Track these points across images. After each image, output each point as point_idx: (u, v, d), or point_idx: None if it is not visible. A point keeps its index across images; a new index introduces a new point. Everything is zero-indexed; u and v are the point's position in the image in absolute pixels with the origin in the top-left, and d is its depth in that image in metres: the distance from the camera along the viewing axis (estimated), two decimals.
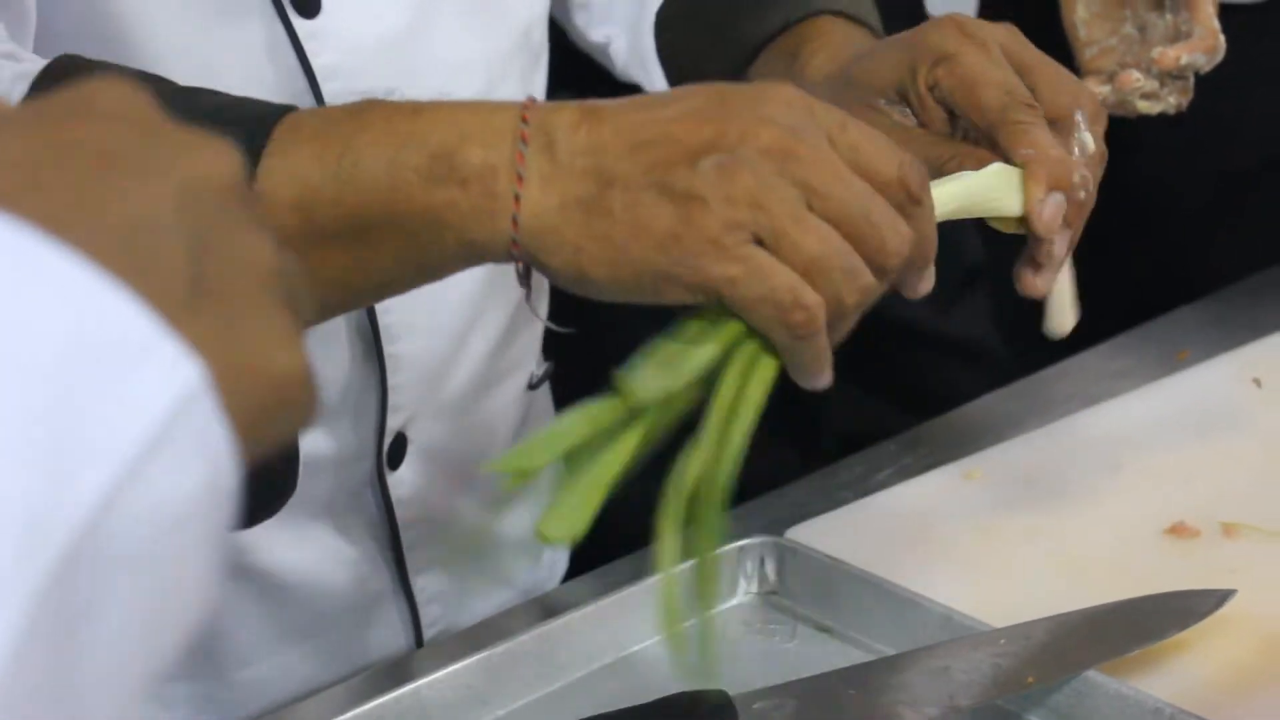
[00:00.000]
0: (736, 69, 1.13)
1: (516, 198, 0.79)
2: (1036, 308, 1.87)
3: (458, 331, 1.15)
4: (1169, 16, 1.30)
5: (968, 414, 1.33)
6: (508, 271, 1.16)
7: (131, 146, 0.47)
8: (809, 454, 1.76)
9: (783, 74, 1.07)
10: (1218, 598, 1.04)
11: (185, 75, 0.98)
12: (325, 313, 0.88)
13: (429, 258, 0.83)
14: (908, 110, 1.00)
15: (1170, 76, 1.27)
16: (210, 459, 0.45)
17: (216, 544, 0.47)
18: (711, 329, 0.80)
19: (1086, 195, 0.99)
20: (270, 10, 1.01)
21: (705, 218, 0.77)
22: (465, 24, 1.09)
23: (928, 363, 1.74)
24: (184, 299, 0.45)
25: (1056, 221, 0.97)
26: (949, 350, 1.73)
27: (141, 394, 0.43)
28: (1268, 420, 1.28)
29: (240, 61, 1.01)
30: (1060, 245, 0.98)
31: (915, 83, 0.99)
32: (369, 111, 0.84)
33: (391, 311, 1.09)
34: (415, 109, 0.83)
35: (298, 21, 1.01)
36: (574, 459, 0.82)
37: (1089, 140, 1.01)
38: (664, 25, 1.20)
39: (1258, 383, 1.33)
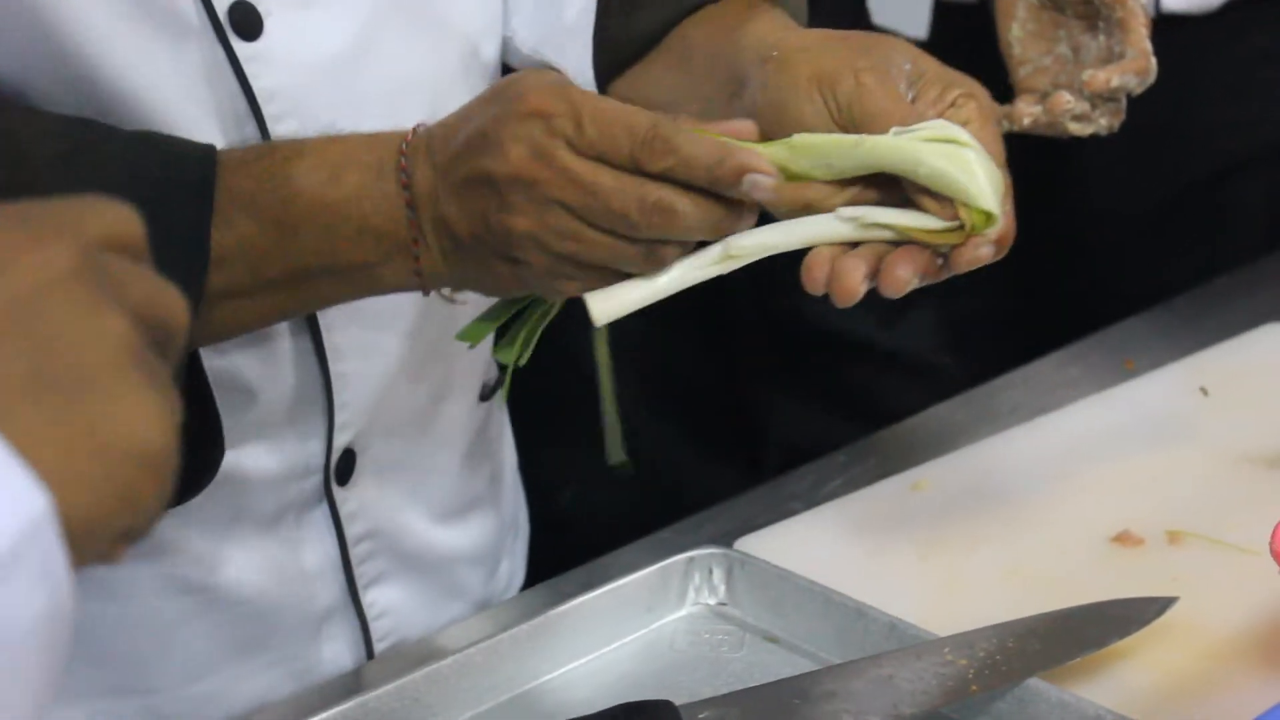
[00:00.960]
0: (674, 19, 1.15)
1: (416, 258, 0.96)
2: (982, 322, 1.89)
3: (404, 348, 1.15)
4: (1102, 38, 1.31)
5: (916, 425, 1.34)
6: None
7: None
8: (754, 466, 1.77)
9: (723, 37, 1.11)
10: (1159, 605, 1.05)
11: (128, 95, 0.99)
12: (262, 325, 1.02)
13: (361, 294, 1.00)
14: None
15: (1102, 98, 1.28)
16: (52, 587, 0.45)
17: (53, 667, 0.47)
18: None
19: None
20: (210, 33, 1.01)
21: (525, 269, 0.94)
22: (410, 44, 1.09)
23: (872, 376, 1.75)
24: (22, 391, 0.46)
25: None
26: (893, 364, 1.74)
27: None
28: (1214, 429, 1.29)
29: (182, 83, 1.01)
30: None
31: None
32: (296, 178, 0.96)
33: (336, 330, 1.09)
34: (334, 176, 0.96)
35: (238, 44, 1.01)
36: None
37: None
38: None
39: (1204, 391, 1.34)
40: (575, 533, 1.63)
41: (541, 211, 0.92)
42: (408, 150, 0.96)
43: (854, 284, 0.96)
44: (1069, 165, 1.82)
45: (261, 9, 1.02)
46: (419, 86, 1.11)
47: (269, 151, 0.98)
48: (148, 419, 0.50)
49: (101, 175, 0.95)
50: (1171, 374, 1.36)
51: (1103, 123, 1.26)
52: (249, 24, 1.02)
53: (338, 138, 0.99)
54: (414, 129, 0.97)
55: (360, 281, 0.98)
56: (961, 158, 0.93)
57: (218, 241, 0.95)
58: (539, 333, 0.99)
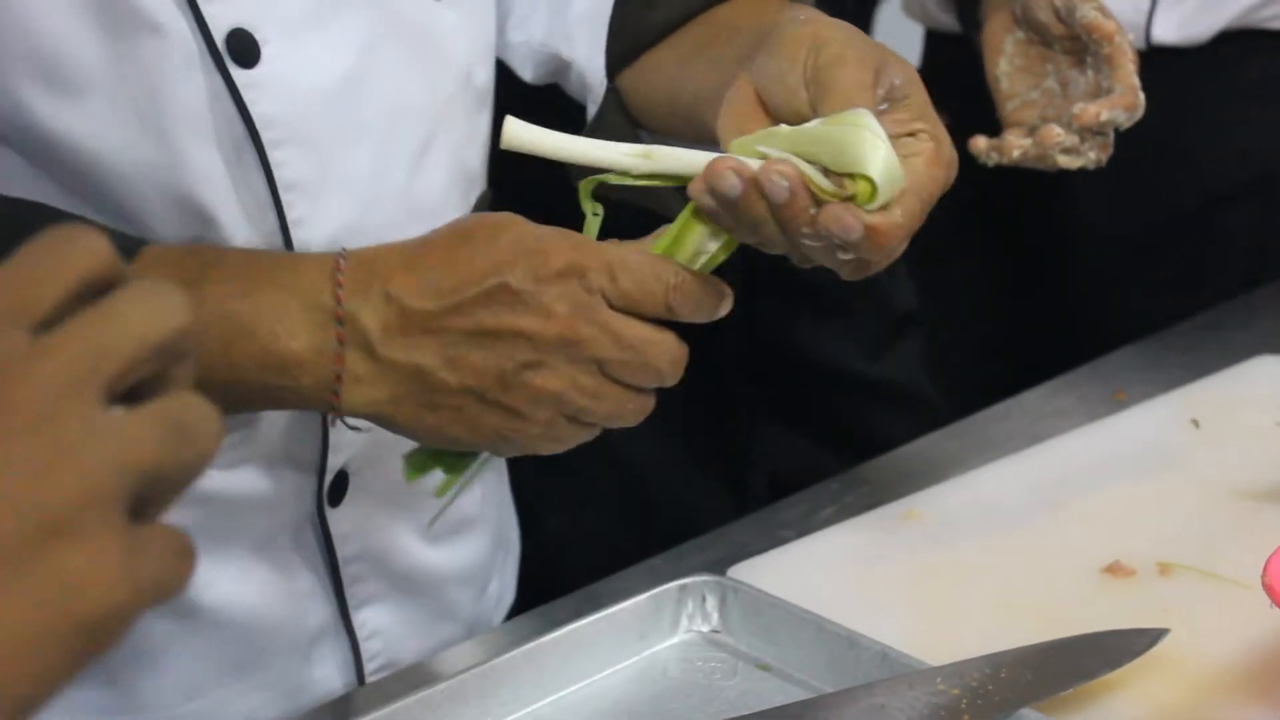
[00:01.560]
0: (690, 14, 1.15)
1: (336, 394, 0.92)
2: (968, 354, 1.89)
3: None
4: (1090, 73, 1.33)
5: (908, 454, 1.34)
6: None
7: None
8: (740, 494, 1.77)
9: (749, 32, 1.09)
10: (1151, 637, 1.05)
11: (127, 124, 0.99)
12: None
13: (272, 409, 0.99)
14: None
15: (1091, 132, 1.29)
16: None
17: None
18: None
19: None
20: (208, 60, 1.01)
21: (525, 424, 0.93)
22: (405, 71, 1.09)
23: (859, 407, 1.76)
24: None
25: None
26: (880, 395, 1.75)
27: None
28: (1205, 461, 1.29)
29: (182, 110, 1.01)
30: None
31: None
32: (205, 283, 0.93)
33: None
34: (245, 289, 0.93)
35: (236, 71, 1.02)
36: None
37: None
38: None
39: (1195, 424, 1.34)
40: (562, 557, 1.64)
41: (576, 372, 0.92)
42: (345, 281, 0.93)
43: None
44: (1057, 194, 1.83)
45: (259, 37, 1.02)
46: (415, 112, 1.11)
47: (193, 252, 0.97)
48: (101, 584, 0.47)
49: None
50: (1163, 405, 1.37)
51: (1091, 156, 1.28)
52: (246, 52, 1.02)
53: (264, 253, 0.99)
54: (340, 255, 0.95)
55: (269, 406, 0.97)
56: (861, 137, 0.92)
57: None
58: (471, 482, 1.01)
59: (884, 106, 0.98)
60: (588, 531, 1.74)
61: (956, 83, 1.82)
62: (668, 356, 0.94)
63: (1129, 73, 1.28)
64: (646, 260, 0.94)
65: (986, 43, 1.40)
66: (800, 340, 1.80)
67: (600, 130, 1.17)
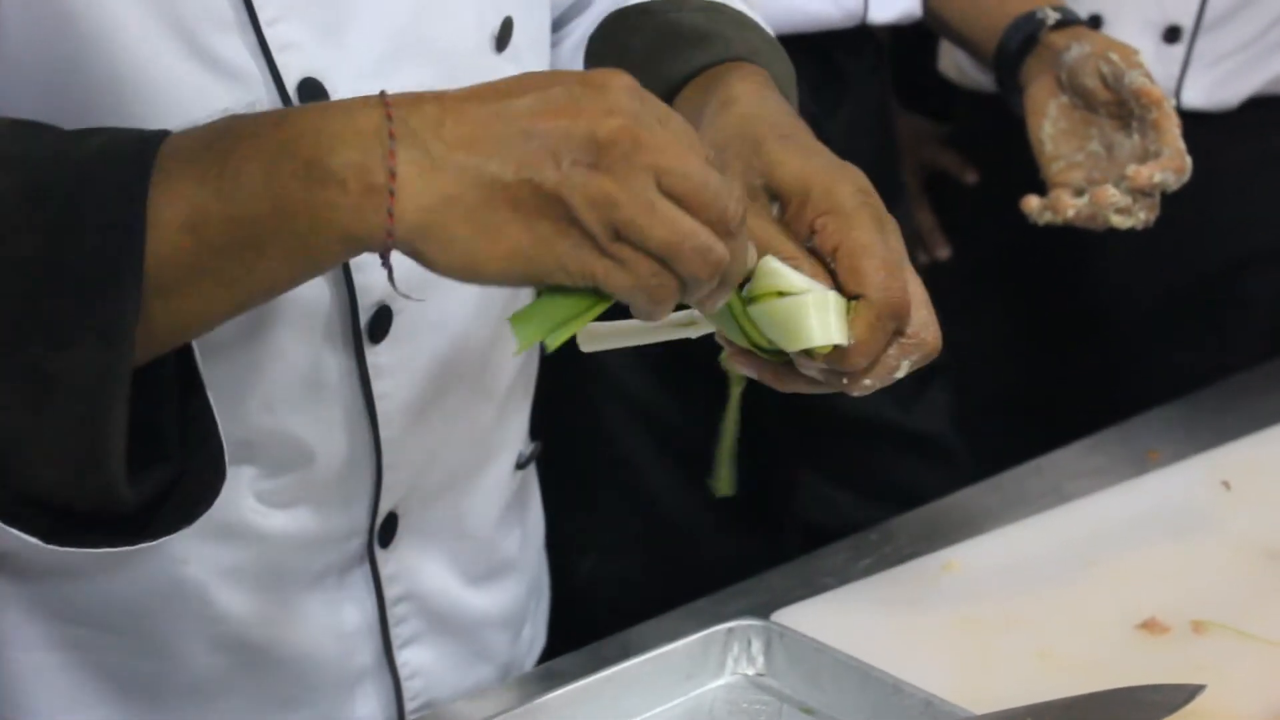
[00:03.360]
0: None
1: (391, 193, 0.83)
2: (995, 408, 1.91)
3: (452, 416, 1.17)
4: (1136, 137, 1.36)
5: (944, 507, 1.36)
6: (501, 362, 1.19)
7: None
8: (773, 542, 1.79)
9: (701, 110, 1.09)
10: (1188, 692, 1.07)
11: (171, 102, 0.99)
12: (214, 322, 0.90)
13: (315, 254, 0.86)
14: (776, 208, 1.01)
15: (1141, 193, 1.33)
16: None
17: None
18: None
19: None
20: (280, 107, 1.03)
21: (579, 234, 0.85)
22: None
23: (890, 457, 1.77)
24: None
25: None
26: (910, 446, 1.77)
27: None
28: (1237, 522, 1.31)
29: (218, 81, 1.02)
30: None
31: (801, 211, 1.00)
32: (238, 126, 0.87)
33: (389, 398, 1.11)
34: (279, 118, 0.86)
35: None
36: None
37: None
38: (591, 56, 1.23)
39: (1226, 485, 1.37)
40: (592, 602, 1.65)
41: (632, 175, 0.84)
42: (392, 99, 0.86)
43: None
44: (1085, 256, 1.86)
45: (328, 86, 1.04)
46: None
47: (222, 113, 0.90)
48: None
49: (36, 147, 0.89)
50: (1194, 466, 1.39)
51: (1141, 216, 1.31)
52: (316, 99, 1.04)
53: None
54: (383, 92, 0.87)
55: (313, 238, 0.85)
56: (788, 314, 0.95)
57: (156, 202, 0.85)
58: (578, 326, 0.90)
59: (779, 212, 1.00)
60: (618, 577, 1.75)
61: (989, 141, 1.86)
62: (729, 190, 0.87)
63: (1175, 136, 1.32)
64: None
65: (1029, 107, 1.44)
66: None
67: None
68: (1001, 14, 1.54)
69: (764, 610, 1.16)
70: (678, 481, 1.76)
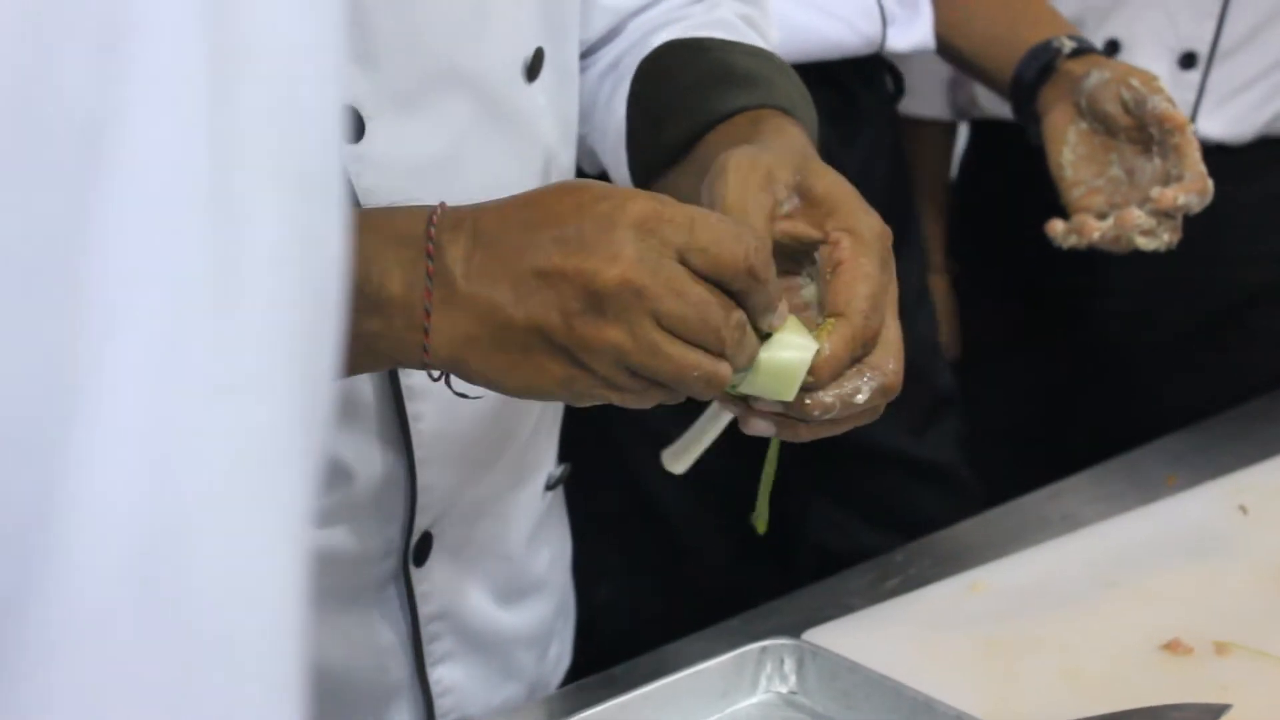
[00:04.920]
0: (694, 137, 1.18)
1: (426, 331, 0.92)
2: (1003, 437, 1.93)
3: (485, 436, 1.19)
4: (1157, 161, 1.39)
5: (966, 530, 1.38)
6: None
7: None
8: (787, 569, 1.80)
9: (748, 139, 1.11)
10: (1214, 711, 1.09)
11: None
12: None
13: (362, 368, 0.97)
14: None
15: (1165, 216, 1.35)
16: None
17: None
18: None
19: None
20: None
21: (586, 374, 0.93)
22: (500, 149, 1.13)
23: (902, 485, 1.79)
24: None
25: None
26: (922, 474, 1.78)
27: None
28: (1255, 545, 1.34)
29: None
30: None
31: (822, 218, 1.03)
32: None
33: (423, 418, 1.13)
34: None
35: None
36: None
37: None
38: (639, 78, 1.25)
39: (1244, 510, 1.39)
40: (610, 624, 1.67)
41: (635, 322, 0.91)
42: (438, 220, 0.94)
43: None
44: (1099, 285, 1.88)
45: (365, 113, 1.07)
46: (508, 189, 1.16)
47: None
48: None
49: None
50: (1211, 491, 1.41)
51: (1164, 238, 1.34)
52: (353, 127, 1.07)
53: (360, 208, 0.99)
54: (440, 205, 0.96)
55: (364, 357, 0.96)
56: (773, 370, 0.97)
57: None
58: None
59: (788, 208, 1.03)
60: (633, 602, 1.76)
61: (1005, 166, 1.88)
62: (730, 319, 0.93)
63: (1197, 160, 1.34)
64: (728, 221, 0.94)
65: (1048, 134, 1.46)
66: None
67: None
68: (1016, 43, 1.56)
69: (794, 630, 1.17)
70: (693, 508, 1.77)
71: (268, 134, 0.45)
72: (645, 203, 0.94)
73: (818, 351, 0.96)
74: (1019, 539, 1.34)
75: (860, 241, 1.01)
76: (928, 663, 1.16)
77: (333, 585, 1.16)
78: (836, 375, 0.99)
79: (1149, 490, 1.42)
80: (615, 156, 1.24)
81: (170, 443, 0.43)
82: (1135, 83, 1.40)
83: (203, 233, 0.43)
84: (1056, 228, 1.39)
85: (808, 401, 0.99)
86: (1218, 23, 1.79)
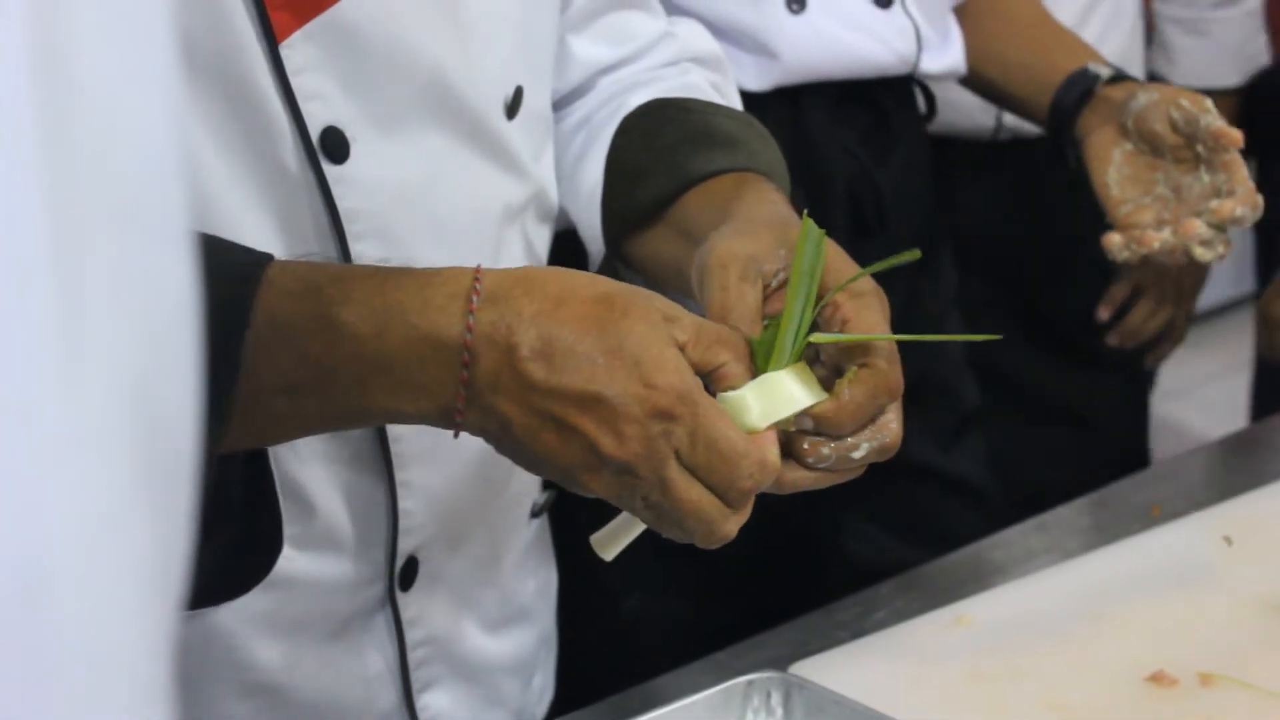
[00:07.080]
0: (672, 196, 1.20)
1: (459, 413, 0.97)
2: (1023, 456, 1.95)
3: (467, 459, 1.19)
4: (1205, 178, 1.42)
5: (955, 562, 1.39)
6: None
7: None
8: (818, 583, 1.80)
9: (715, 209, 1.15)
10: None
11: (230, 208, 1.04)
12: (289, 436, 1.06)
13: (382, 424, 1.05)
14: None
15: (1220, 228, 1.39)
16: None
17: None
18: None
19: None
20: (304, 155, 1.07)
21: (600, 477, 0.97)
22: (481, 176, 1.15)
23: (933, 500, 1.79)
24: None
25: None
26: (948, 489, 1.79)
27: None
28: (1239, 577, 1.34)
29: (272, 199, 1.06)
30: None
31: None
32: (337, 317, 0.97)
33: (403, 440, 1.14)
34: (378, 328, 0.97)
35: (327, 166, 1.07)
36: None
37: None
38: (622, 133, 1.26)
39: (1228, 541, 1.39)
40: (637, 638, 1.67)
41: (623, 491, 0.97)
42: (475, 325, 0.96)
43: None
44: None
45: (349, 135, 1.08)
46: (490, 216, 1.17)
47: (315, 290, 0.98)
48: None
49: None
50: (1196, 522, 1.42)
51: (1219, 249, 1.38)
52: (337, 148, 1.08)
53: (387, 284, 0.99)
54: (475, 286, 0.97)
55: (384, 418, 1.03)
56: (770, 393, 0.99)
57: (254, 361, 0.96)
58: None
59: (776, 283, 1.04)
60: (665, 616, 1.76)
61: (1032, 186, 1.91)
62: (709, 531, 0.97)
63: (1246, 176, 1.40)
64: (735, 442, 0.96)
65: (1091, 155, 1.50)
66: None
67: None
68: (1051, 71, 1.60)
69: (781, 663, 1.18)
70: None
71: (101, 172, 0.45)
72: (669, 394, 0.95)
73: (836, 395, 0.98)
74: (1005, 572, 1.34)
75: (861, 298, 1.03)
76: (914, 696, 1.17)
77: (320, 612, 1.16)
78: (859, 424, 1.00)
79: (1132, 523, 1.43)
80: (588, 214, 1.25)
81: (27, 498, 0.44)
82: (1185, 103, 1.43)
83: (47, 283, 0.43)
84: (1114, 240, 1.42)
85: (805, 446, 1.00)
86: None
